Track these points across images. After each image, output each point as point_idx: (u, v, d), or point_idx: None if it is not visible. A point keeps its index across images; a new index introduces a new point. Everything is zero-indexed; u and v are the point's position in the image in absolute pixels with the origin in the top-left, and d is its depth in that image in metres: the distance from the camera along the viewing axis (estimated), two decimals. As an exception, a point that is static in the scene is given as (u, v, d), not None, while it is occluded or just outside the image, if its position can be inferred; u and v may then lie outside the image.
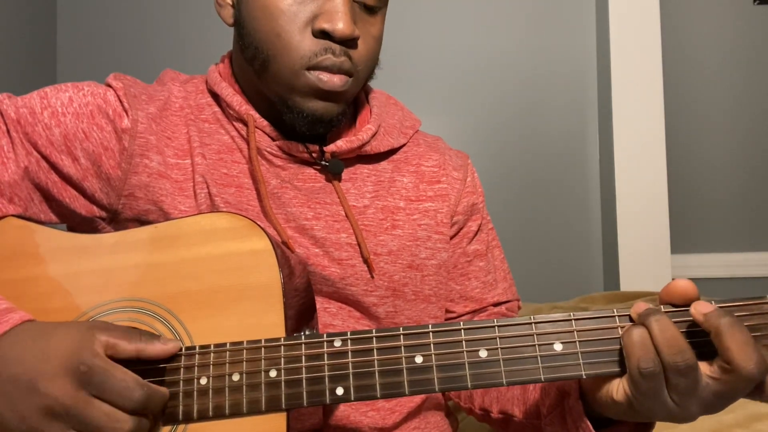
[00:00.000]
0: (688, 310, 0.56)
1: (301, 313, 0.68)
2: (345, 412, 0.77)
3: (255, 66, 0.75)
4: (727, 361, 0.52)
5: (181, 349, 0.62)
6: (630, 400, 0.56)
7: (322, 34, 0.72)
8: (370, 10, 0.76)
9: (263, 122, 0.78)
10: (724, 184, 2.02)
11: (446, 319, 0.89)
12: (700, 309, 0.55)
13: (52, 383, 0.55)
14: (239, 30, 0.77)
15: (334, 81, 0.73)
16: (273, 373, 0.60)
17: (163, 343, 0.60)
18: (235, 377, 0.60)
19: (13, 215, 0.72)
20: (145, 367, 0.60)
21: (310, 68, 0.72)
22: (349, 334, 0.61)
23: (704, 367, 0.54)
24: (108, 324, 0.60)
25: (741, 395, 0.54)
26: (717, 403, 0.54)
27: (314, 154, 0.79)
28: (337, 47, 0.72)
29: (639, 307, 0.57)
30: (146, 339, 0.59)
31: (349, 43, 0.73)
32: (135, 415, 0.56)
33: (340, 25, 0.71)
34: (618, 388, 0.57)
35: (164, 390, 0.59)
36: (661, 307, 0.58)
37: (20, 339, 0.58)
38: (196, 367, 0.61)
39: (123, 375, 0.56)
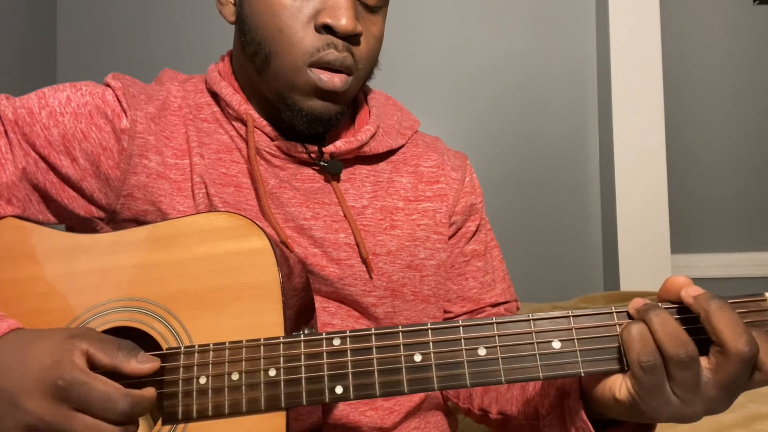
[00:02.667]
0: (685, 306, 0.56)
1: (299, 313, 0.68)
2: (344, 412, 0.77)
3: (256, 63, 0.75)
4: (719, 344, 0.53)
5: (166, 364, 0.60)
6: (633, 399, 0.55)
7: (325, 30, 0.72)
8: (372, 9, 0.76)
9: (262, 122, 0.78)
10: (724, 184, 2.03)
11: (444, 320, 0.89)
12: (690, 292, 0.55)
13: (31, 400, 0.54)
14: (241, 27, 0.77)
15: (334, 81, 0.73)
16: (272, 372, 0.60)
17: (138, 362, 0.58)
18: (234, 376, 0.60)
19: (11, 216, 0.72)
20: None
21: (312, 65, 0.72)
22: (348, 332, 0.60)
23: (702, 362, 0.54)
24: (90, 332, 0.59)
25: (742, 382, 0.54)
26: (720, 397, 0.54)
27: (313, 155, 0.79)
28: (340, 43, 0.72)
29: (637, 303, 0.57)
30: (124, 354, 0.57)
31: (351, 39, 0.73)
32: (120, 424, 0.55)
33: (344, 20, 0.71)
34: (621, 387, 0.57)
35: (149, 392, 0.58)
36: (660, 303, 0.58)
37: (4, 350, 0.57)
38: (195, 367, 0.61)
39: (104, 387, 0.54)
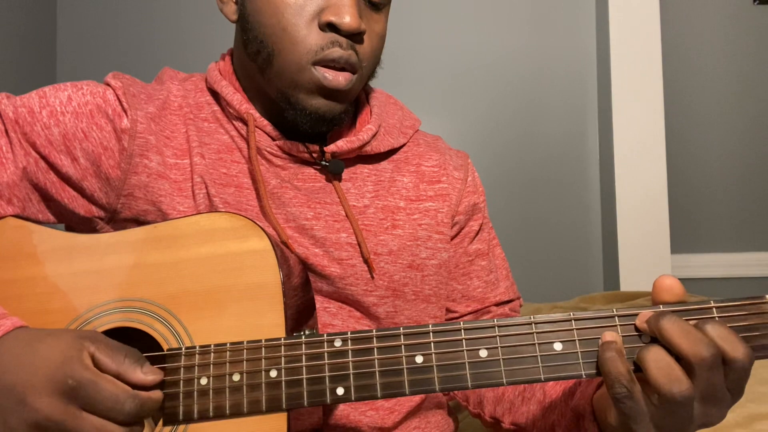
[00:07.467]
0: (679, 309, 0.56)
1: (300, 313, 0.68)
2: (344, 412, 0.77)
3: (259, 61, 0.75)
4: (683, 357, 0.52)
5: (162, 380, 0.60)
6: (622, 424, 0.56)
7: (329, 27, 0.72)
8: (375, 7, 0.76)
9: (263, 121, 0.78)
10: (724, 184, 2.03)
11: (448, 319, 0.89)
12: (641, 318, 0.56)
13: (40, 398, 0.54)
14: (243, 25, 0.77)
15: (338, 79, 0.72)
16: (273, 373, 0.60)
17: (143, 374, 0.58)
18: (236, 377, 0.60)
19: (11, 215, 0.72)
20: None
21: (316, 63, 0.72)
22: (349, 333, 0.60)
23: None
24: (98, 335, 0.59)
25: (720, 386, 0.53)
26: (708, 410, 0.54)
27: (314, 154, 0.79)
28: (344, 41, 0.72)
29: (643, 318, 0.56)
30: (130, 362, 0.57)
31: (355, 37, 0.73)
32: (127, 425, 0.56)
33: (348, 18, 0.70)
34: (611, 412, 0.58)
35: (156, 395, 0.58)
36: (661, 307, 0.57)
37: (11, 347, 0.57)
38: (196, 367, 0.61)
39: (112, 387, 0.55)
